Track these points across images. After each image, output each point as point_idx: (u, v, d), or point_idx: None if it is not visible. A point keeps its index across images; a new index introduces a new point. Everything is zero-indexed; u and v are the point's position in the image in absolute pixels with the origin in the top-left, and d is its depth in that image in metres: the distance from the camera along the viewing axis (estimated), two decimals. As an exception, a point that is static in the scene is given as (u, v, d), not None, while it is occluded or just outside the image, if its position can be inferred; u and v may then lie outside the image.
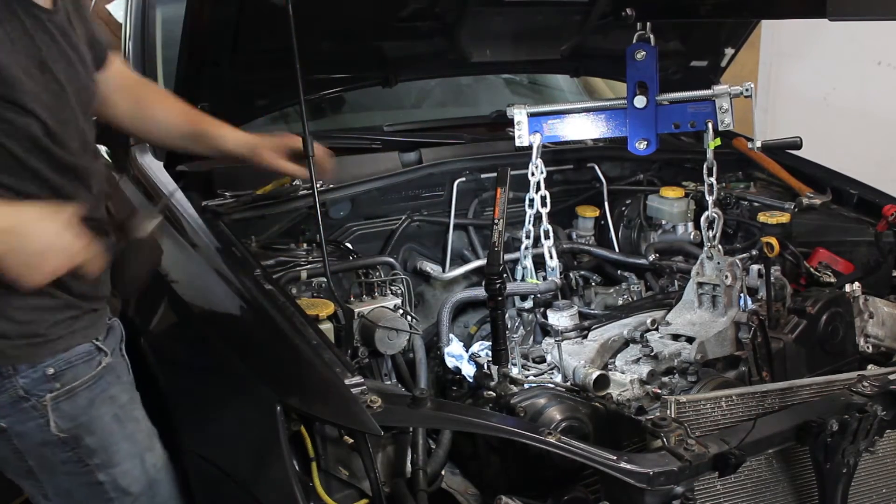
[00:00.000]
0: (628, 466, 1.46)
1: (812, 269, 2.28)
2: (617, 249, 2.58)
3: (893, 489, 1.78)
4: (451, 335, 2.04)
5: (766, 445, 1.60)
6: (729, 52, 2.88)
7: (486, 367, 1.85)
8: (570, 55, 2.59)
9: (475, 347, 1.96)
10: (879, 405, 1.63)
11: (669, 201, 2.59)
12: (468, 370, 1.92)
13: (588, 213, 2.57)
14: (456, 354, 1.95)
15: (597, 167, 2.65)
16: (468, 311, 2.26)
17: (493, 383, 1.82)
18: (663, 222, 2.60)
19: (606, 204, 2.63)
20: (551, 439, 1.49)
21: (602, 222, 2.62)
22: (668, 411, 1.58)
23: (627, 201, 2.72)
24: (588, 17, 2.47)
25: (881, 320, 2.13)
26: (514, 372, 1.86)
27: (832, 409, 1.63)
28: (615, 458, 1.48)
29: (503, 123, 2.87)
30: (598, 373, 1.80)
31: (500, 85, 3.32)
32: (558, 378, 1.90)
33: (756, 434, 1.58)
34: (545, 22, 2.48)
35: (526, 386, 1.78)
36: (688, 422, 1.57)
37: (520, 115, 2.19)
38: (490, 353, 1.92)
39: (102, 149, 2.61)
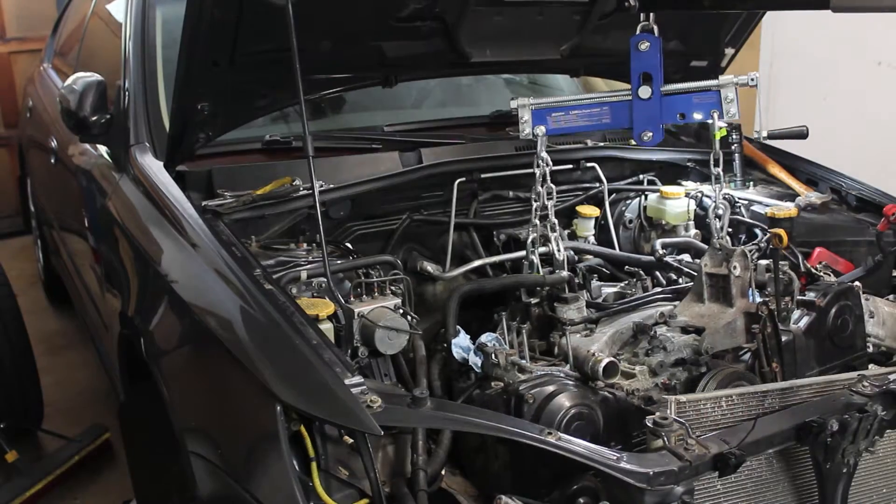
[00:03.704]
0: (628, 466, 1.46)
1: (812, 269, 2.28)
2: (618, 250, 2.57)
3: (894, 489, 1.78)
4: (458, 327, 2.03)
5: (766, 445, 1.60)
6: (729, 52, 2.88)
7: (493, 355, 1.84)
8: (570, 55, 2.58)
9: (483, 338, 1.95)
10: (879, 405, 1.63)
11: (669, 201, 2.59)
12: (475, 361, 1.92)
13: (588, 212, 2.57)
14: (463, 346, 1.95)
15: (597, 167, 2.65)
16: (469, 310, 2.25)
17: (499, 371, 1.82)
18: (663, 222, 2.60)
19: (607, 204, 2.63)
20: (551, 439, 1.49)
21: (602, 222, 2.62)
22: (669, 411, 1.58)
23: (628, 201, 2.72)
24: (588, 17, 2.46)
25: (881, 320, 2.13)
26: (523, 360, 1.85)
27: (832, 409, 1.63)
28: (615, 457, 1.48)
29: (503, 123, 2.88)
30: (607, 359, 1.79)
31: (500, 85, 3.32)
32: (566, 368, 1.89)
33: (756, 434, 1.58)
34: (545, 22, 2.47)
35: (534, 374, 1.78)
36: (688, 421, 1.57)
37: (524, 108, 2.17)
38: (497, 343, 1.91)
39: (102, 149, 2.63)
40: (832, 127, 4.12)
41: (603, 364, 1.79)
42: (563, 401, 1.67)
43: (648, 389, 1.79)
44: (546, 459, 1.58)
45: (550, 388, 1.70)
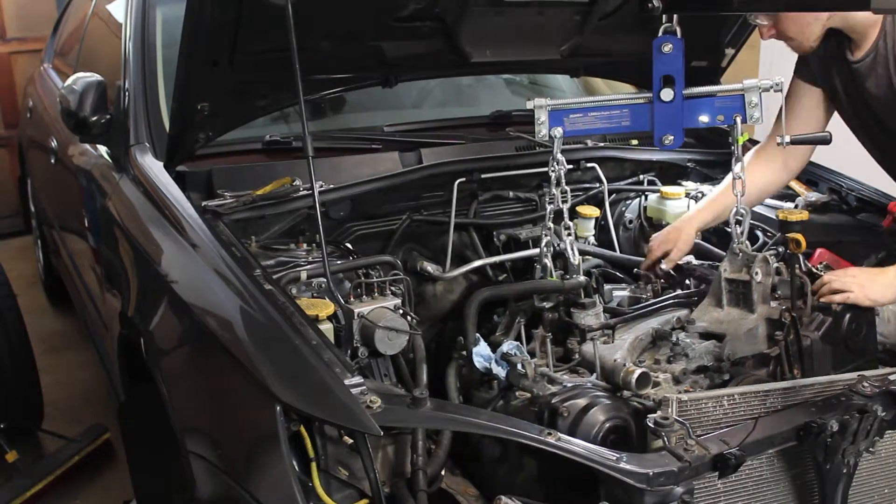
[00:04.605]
0: (628, 467, 1.46)
1: (813, 269, 2.28)
2: (618, 250, 2.57)
3: (894, 490, 1.78)
4: (478, 335, 2.00)
5: (766, 446, 1.60)
6: (729, 52, 2.87)
7: (520, 365, 1.83)
8: (569, 55, 2.58)
9: (505, 346, 1.92)
10: (879, 405, 1.63)
11: (669, 202, 2.59)
12: (498, 371, 1.90)
13: (588, 213, 2.57)
14: (484, 355, 1.91)
15: (597, 167, 2.65)
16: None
17: (527, 382, 1.80)
18: (664, 223, 2.60)
19: (607, 204, 2.63)
20: (551, 439, 1.49)
21: (602, 222, 2.62)
22: (670, 410, 1.58)
23: (628, 202, 2.72)
24: (588, 17, 2.46)
25: (886, 318, 2.12)
26: (549, 371, 1.84)
27: (832, 410, 1.63)
28: (615, 458, 1.48)
29: (503, 123, 2.88)
30: (640, 371, 1.77)
31: (500, 85, 3.32)
32: (590, 378, 1.87)
33: (756, 434, 1.58)
34: (545, 22, 2.47)
35: (564, 386, 1.77)
36: (689, 420, 1.57)
37: (540, 109, 2.14)
38: (519, 352, 1.90)
39: (102, 149, 2.63)
40: (832, 127, 4.11)
41: (635, 376, 1.76)
42: (598, 414, 1.65)
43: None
44: (574, 471, 1.57)
45: (584, 402, 1.68)
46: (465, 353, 1.96)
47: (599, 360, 1.87)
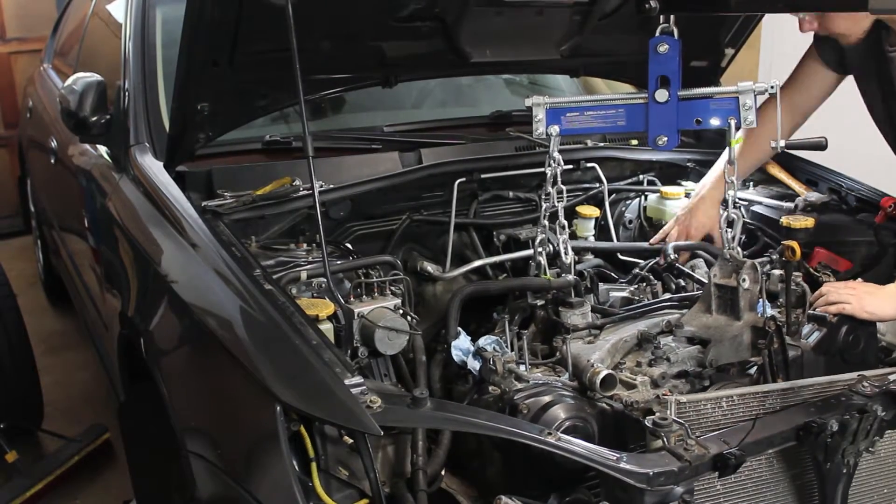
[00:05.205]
0: (628, 466, 1.46)
1: (811, 269, 2.28)
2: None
3: (894, 489, 1.78)
4: (459, 328, 2.02)
5: (766, 446, 1.60)
6: (729, 52, 2.87)
7: (491, 361, 1.84)
8: (570, 55, 2.59)
9: (481, 341, 1.93)
10: (879, 405, 1.63)
11: (669, 202, 2.59)
12: (474, 364, 1.91)
13: (588, 213, 2.57)
14: (463, 348, 1.94)
15: (597, 167, 2.65)
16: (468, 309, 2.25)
17: (496, 378, 1.81)
18: (663, 223, 2.60)
19: (607, 204, 2.63)
20: (551, 439, 1.49)
21: (602, 222, 2.62)
22: (669, 411, 1.58)
23: (628, 202, 2.72)
24: (588, 17, 2.46)
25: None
26: (521, 368, 1.84)
27: (832, 410, 1.63)
28: (615, 458, 1.48)
29: (503, 123, 2.88)
30: (605, 372, 1.77)
31: (500, 85, 3.32)
32: (565, 377, 1.88)
33: (756, 434, 1.58)
34: (545, 22, 2.47)
35: (531, 382, 1.78)
36: (688, 422, 1.57)
37: (538, 106, 2.14)
38: (496, 347, 1.91)
39: (102, 149, 2.63)
40: (832, 127, 4.11)
41: (600, 377, 1.77)
42: (559, 412, 1.66)
43: (648, 401, 1.75)
44: (541, 469, 1.58)
45: (546, 399, 1.69)
46: (447, 346, 1.97)
47: (574, 359, 1.88)
